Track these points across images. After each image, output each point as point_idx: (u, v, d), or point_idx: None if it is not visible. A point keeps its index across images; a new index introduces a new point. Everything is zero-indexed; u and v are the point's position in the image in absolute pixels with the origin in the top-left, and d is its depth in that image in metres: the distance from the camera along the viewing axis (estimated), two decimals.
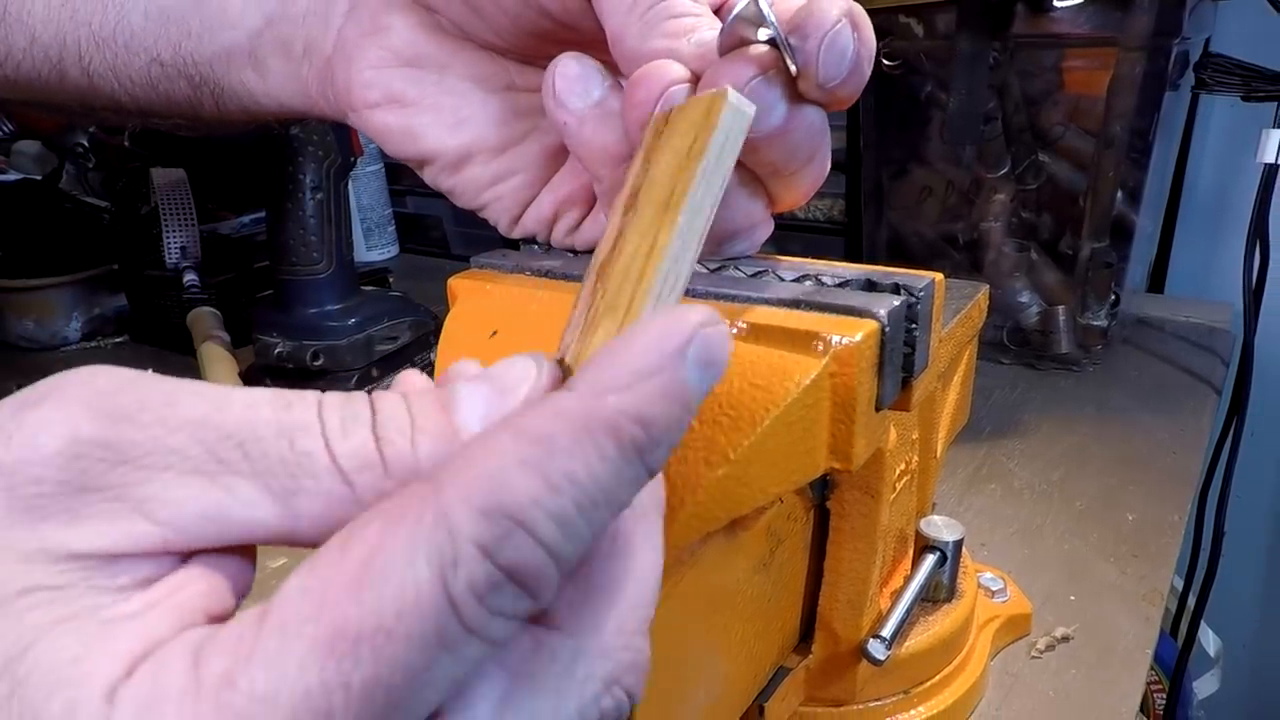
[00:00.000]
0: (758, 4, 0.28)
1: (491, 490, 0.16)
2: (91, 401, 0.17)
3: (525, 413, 0.17)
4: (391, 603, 0.15)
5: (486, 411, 0.18)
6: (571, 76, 0.33)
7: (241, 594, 0.19)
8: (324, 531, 0.18)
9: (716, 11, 0.32)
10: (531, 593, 0.16)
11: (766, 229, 0.35)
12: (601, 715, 0.19)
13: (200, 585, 0.18)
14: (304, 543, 0.18)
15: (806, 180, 0.33)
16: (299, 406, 0.18)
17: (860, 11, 0.29)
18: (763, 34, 0.29)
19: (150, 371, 0.19)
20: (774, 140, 0.30)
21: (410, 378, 0.22)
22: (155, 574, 0.18)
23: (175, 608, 0.18)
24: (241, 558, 0.19)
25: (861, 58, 0.29)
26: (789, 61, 0.29)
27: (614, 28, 0.32)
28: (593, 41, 0.34)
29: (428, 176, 0.39)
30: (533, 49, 0.37)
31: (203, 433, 0.18)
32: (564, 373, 0.20)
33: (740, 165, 0.31)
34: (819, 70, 0.29)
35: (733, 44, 0.29)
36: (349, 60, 0.38)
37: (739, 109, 0.20)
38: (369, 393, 0.19)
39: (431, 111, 0.38)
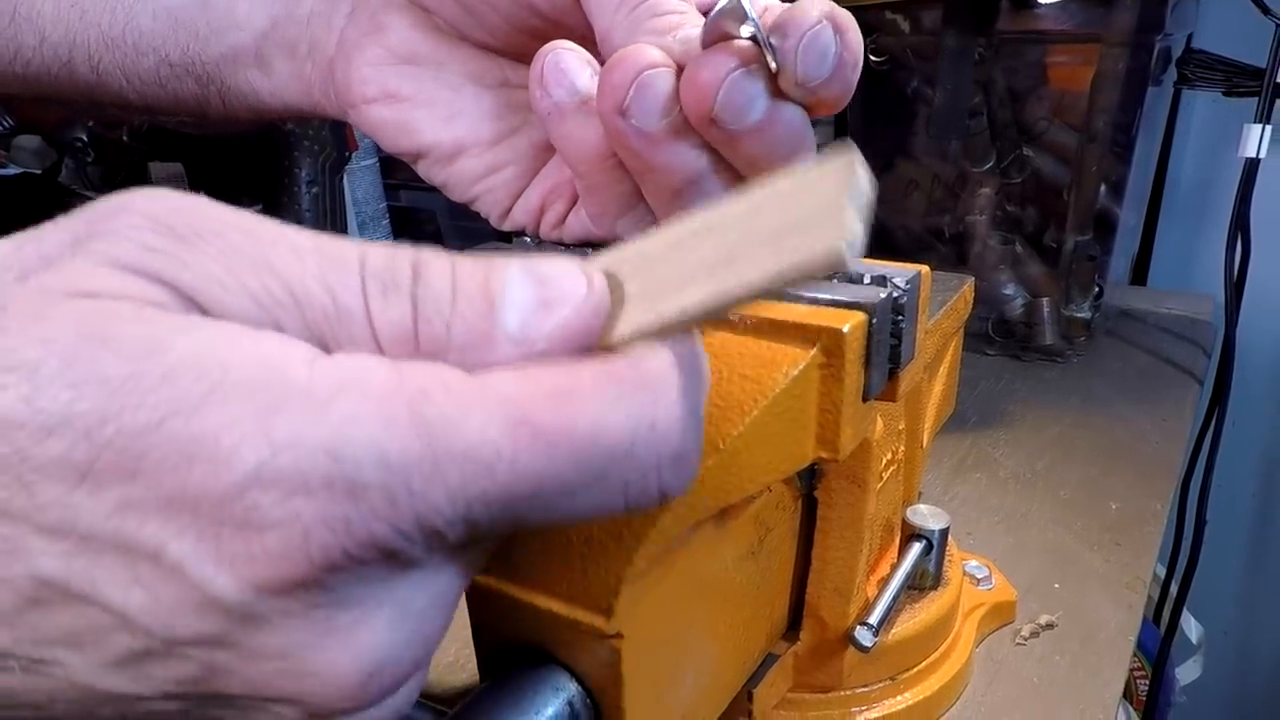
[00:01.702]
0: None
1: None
2: (157, 216, 0.18)
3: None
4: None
5: (524, 322, 0.19)
6: (560, 66, 0.33)
7: None
8: None
9: (705, 14, 0.33)
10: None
11: None
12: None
13: None
14: None
15: None
16: (341, 265, 0.19)
17: (845, 16, 0.29)
18: (745, 30, 0.29)
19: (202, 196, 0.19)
20: (754, 135, 0.31)
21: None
22: None
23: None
24: None
25: (845, 61, 0.29)
26: (769, 58, 0.29)
27: (601, 26, 0.33)
28: (583, 40, 0.34)
29: (422, 170, 0.40)
30: (526, 47, 0.38)
31: (258, 269, 0.18)
32: (612, 287, 0.19)
33: (719, 158, 0.32)
34: (797, 68, 0.29)
35: (715, 38, 0.30)
36: (348, 58, 0.39)
37: (850, 245, 0.17)
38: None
39: (426, 106, 0.38)
